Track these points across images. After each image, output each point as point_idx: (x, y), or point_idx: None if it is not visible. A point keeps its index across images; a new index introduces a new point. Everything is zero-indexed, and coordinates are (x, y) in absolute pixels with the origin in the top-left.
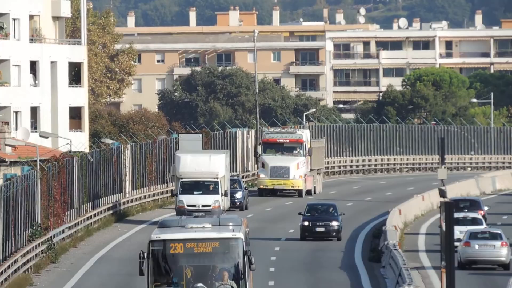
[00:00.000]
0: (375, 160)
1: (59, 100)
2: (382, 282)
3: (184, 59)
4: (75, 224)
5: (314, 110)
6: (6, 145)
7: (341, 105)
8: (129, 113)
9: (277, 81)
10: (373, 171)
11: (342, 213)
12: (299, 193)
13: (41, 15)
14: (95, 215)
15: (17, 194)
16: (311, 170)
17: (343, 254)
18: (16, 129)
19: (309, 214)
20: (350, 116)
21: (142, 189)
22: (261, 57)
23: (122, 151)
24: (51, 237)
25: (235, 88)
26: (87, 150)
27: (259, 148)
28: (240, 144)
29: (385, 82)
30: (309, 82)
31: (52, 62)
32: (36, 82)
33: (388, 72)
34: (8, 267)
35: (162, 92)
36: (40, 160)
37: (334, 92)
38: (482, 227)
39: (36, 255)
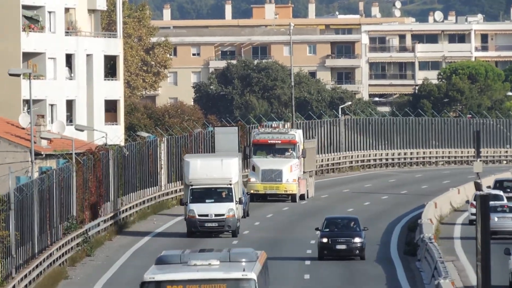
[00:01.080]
0: (411, 153)
1: (95, 93)
2: (418, 275)
3: (220, 52)
4: (111, 217)
5: (349, 103)
6: (41, 138)
7: (376, 98)
8: (164, 106)
9: (312, 74)
10: (408, 164)
11: (366, 228)
12: (292, 198)
13: (76, 8)
14: (130, 208)
15: (53, 187)
16: (304, 173)
17: (379, 247)
18: (52, 122)
19: (327, 230)
20: (385, 109)
21: (178, 182)
22: (297, 50)
23: (158, 144)
24: (86, 230)
25: (271, 81)
26: (122, 143)
27: (249, 150)
28: None
29: (420, 75)
30: (345, 75)
31: (87, 55)
32: (72, 75)
33: (424, 65)
34: (44, 260)
35: (198, 85)
36: (75, 153)
37: (369, 85)
38: (503, 202)
39: (71, 248)
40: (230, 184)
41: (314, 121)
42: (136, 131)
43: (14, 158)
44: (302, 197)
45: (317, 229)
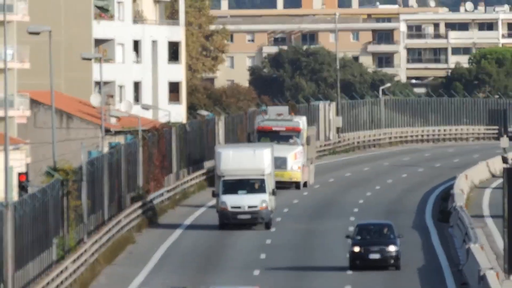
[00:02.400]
0: (444, 130)
1: (159, 76)
2: (450, 240)
3: (272, 38)
4: (173, 187)
5: (389, 85)
6: (111, 116)
7: (413, 81)
8: (222, 87)
9: (356, 58)
10: (442, 140)
11: (400, 236)
12: (297, 185)
13: None
14: (191, 179)
15: (121, 160)
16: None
17: (415, 215)
18: (120, 102)
19: (359, 237)
20: (421, 90)
21: None
22: (342, 37)
23: (216, 121)
24: (151, 199)
25: (318, 65)
26: (184, 121)
27: (253, 137)
28: (322, 115)
29: (453, 59)
30: (385, 60)
31: (153, 41)
32: (139, 59)
33: (456, 51)
34: (113, 226)
35: (252, 68)
36: (141, 130)
37: (407, 68)
38: None
39: (137, 216)
40: (263, 175)
41: (357, 101)
42: (196, 110)
43: (86, 134)
44: (304, 184)
45: (347, 236)
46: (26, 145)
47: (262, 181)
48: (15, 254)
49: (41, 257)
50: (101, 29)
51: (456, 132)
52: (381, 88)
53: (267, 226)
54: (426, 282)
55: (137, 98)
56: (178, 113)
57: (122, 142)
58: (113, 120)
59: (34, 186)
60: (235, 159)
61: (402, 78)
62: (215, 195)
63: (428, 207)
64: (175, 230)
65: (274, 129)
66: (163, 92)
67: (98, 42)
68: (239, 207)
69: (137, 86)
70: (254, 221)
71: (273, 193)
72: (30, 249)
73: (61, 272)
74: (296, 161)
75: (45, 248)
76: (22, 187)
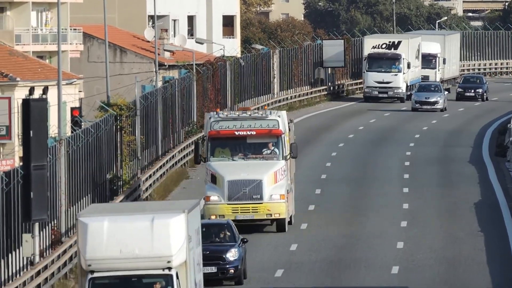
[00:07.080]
0: (501, 63)
1: (214, 9)
2: (507, 174)
3: None
4: None
5: (445, 18)
6: (165, 50)
7: (470, 14)
8: (277, 21)
9: None
10: (499, 73)
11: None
12: (279, 225)
13: None
14: None
15: (175, 95)
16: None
17: (472, 149)
18: (174, 36)
19: None
20: (478, 23)
21: (289, 90)
22: None
23: (271, 56)
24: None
25: None
26: (239, 55)
27: (203, 147)
28: None
29: None
30: None
31: None
32: None
33: None
34: (167, 161)
35: (308, 2)
36: (196, 64)
37: (463, 1)
38: None
39: (192, 151)
40: (169, 269)
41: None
42: (251, 44)
43: (140, 69)
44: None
45: None
46: (79, 80)
47: (168, 281)
48: (69, 190)
49: (95, 193)
50: None
51: None
52: (437, 21)
53: None
54: (483, 217)
55: (191, 32)
56: (232, 47)
57: (176, 76)
58: (167, 54)
59: (87, 121)
60: (114, 238)
61: (459, 11)
62: None
63: (485, 141)
64: None
65: (237, 134)
66: (217, 26)
67: None
68: None
69: (191, 20)
70: None
71: None
72: (84, 184)
73: None
74: (277, 185)
75: (98, 184)
76: (75, 122)
